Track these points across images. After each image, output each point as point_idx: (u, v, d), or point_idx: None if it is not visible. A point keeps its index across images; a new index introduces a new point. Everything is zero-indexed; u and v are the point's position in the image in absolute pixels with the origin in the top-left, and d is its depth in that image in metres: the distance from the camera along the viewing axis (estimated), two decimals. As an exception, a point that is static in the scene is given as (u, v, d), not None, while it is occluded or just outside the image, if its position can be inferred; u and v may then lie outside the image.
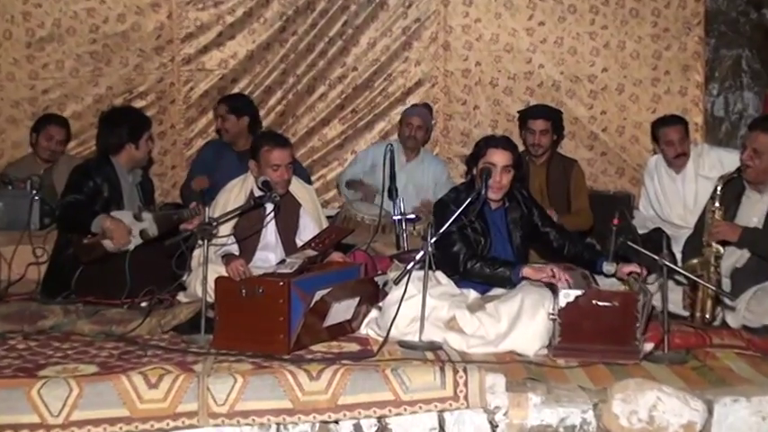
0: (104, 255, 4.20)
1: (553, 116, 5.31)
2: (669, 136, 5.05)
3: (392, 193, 5.15)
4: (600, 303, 3.44)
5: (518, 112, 5.54)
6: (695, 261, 4.00)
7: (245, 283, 3.54)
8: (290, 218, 4.32)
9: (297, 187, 4.40)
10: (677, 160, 5.07)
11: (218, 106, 5.47)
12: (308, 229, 4.35)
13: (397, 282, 3.62)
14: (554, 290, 3.56)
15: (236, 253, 4.12)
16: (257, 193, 4.19)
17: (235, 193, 4.26)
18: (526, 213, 4.08)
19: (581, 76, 6.12)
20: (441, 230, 3.67)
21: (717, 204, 4.05)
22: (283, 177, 4.18)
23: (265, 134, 4.52)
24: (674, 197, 5.10)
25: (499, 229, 4.03)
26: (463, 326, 3.60)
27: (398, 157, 5.49)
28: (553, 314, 3.47)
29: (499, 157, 3.92)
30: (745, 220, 4.11)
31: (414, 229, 5.23)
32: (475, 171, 4.00)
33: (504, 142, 4.00)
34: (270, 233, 4.28)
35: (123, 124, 4.47)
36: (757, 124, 4.21)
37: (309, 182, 5.13)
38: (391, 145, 5.24)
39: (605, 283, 3.79)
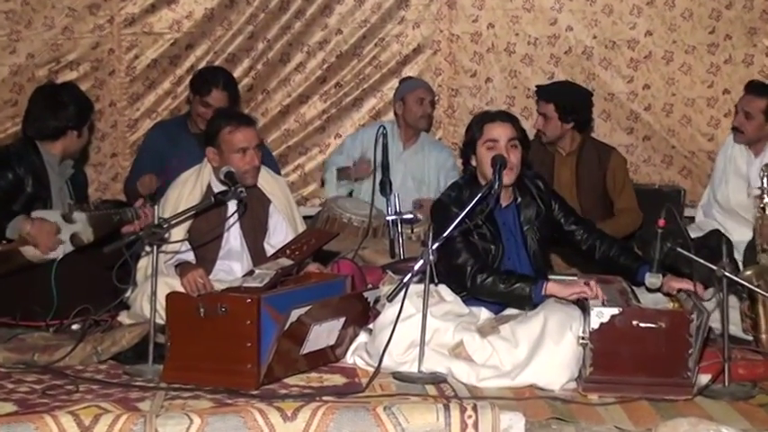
0: (24, 265, 4.20)
1: (558, 97, 5.22)
2: (749, 106, 5.02)
3: (385, 187, 5.17)
4: (642, 325, 3.44)
5: (537, 86, 5.54)
6: (749, 272, 4.03)
7: (205, 300, 3.54)
8: (257, 217, 4.33)
9: (265, 179, 4.40)
10: (756, 143, 5.05)
11: (208, 94, 5.22)
12: (279, 231, 4.36)
13: (391, 298, 3.62)
14: (584, 308, 3.57)
15: (193, 262, 4.13)
16: (217, 187, 4.20)
17: (188, 188, 4.27)
18: (543, 210, 4.10)
19: (618, 41, 6.15)
20: (443, 237, 3.68)
21: (766, 199, 4.11)
22: (253, 163, 4.18)
23: (223, 113, 4.51)
24: (741, 183, 5.08)
25: (511, 232, 4.05)
26: (472, 353, 3.61)
27: (393, 142, 5.50)
28: (583, 338, 3.47)
29: (500, 131, 3.95)
30: None
31: (412, 232, 5.25)
32: (474, 162, 4.02)
33: (501, 114, 4.05)
34: (233, 237, 4.29)
35: (69, 105, 4.48)
36: (751, 87, 5.05)
37: (279, 173, 5.13)
38: (384, 127, 5.26)
39: (648, 300, 3.80)
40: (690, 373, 3.44)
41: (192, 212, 4.03)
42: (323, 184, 5.94)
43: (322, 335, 3.68)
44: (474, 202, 3.75)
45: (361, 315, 3.93)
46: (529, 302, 3.76)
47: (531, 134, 4.73)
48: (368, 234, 5.17)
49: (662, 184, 6.04)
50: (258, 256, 4.26)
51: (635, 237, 5.09)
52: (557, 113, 5.19)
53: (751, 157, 5.07)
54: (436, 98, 6.02)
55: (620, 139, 6.10)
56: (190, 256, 4.16)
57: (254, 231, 4.32)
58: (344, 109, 6.31)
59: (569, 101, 5.23)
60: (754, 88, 5.06)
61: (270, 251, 4.29)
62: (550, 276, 4.29)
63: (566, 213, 4.15)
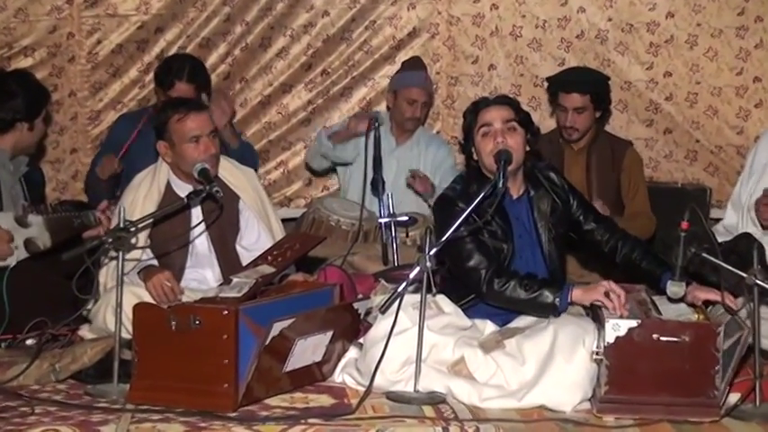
0: (-30, 274, 4.19)
1: (594, 87, 5.33)
2: None
3: (377, 186, 5.17)
4: (663, 339, 3.44)
5: (546, 79, 5.56)
6: None
7: (176, 312, 3.53)
8: (225, 216, 4.32)
9: (230, 171, 4.40)
10: None
11: (171, 87, 5.27)
12: (251, 230, 4.37)
13: (383, 310, 3.63)
14: (598, 319, 3.58)
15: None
16: (177, 185, 4.22)
17: (143, 192, 4.27)
18: (560, 206, 4.08)
19: (636, 23, 6.15)
20: (445, 238, 3.68)
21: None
22: (209, 152, 4.17)
23: (170, 102, 4.52)
24: None
25: (525, 228, 4.02)
26: (474, 371, 3.61)
27: (386, 136, 5.52)
28: (598, 354, 3.47)
29: (495, 113, 3.95)
30: None
31: (407, 236, 5.25)
32: (475, 155, 4.02)
33: (497, 98, 4.06)
34: (200, 242, 4.30)
35: (18, 95, 4.48)
36: None
37: (256, 167, 5.13)
38: (377, 116, 5.26)
39: (670, 311, 3.80)
40: (717, 392, 3.44)
41: (161, 215, 4.03)
42: (310, 170, 5.94)
43: (307, 350, 3.67)
44: (477, 201, 3.74)
45: (351, 328, 3.92)
46: (553, 312, 3.73)
47: (542, 128, 4.73)
48: (358, 238, 5.18)
49: (685, 183, 6.05)
50: (229, 260, 4.27)
51: (655, 240, 5.10)
52: (592, 104, 5.24)
53: None
54: (434, 87, 6.03)
55: (638, 133, 6.11)
56: (154, 264, 4.18)
57: (223, 232, 4.32)
58: (332, 99, 6.30)
59: (603, 89, 5.34)
60: None
61: (242, 254, 4.30)
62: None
63: (585, 210, 4.14)
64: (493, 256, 3.88)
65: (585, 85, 5.32)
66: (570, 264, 4.79)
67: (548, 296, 3.73)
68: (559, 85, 5.34)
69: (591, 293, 3.70)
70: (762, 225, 4.61)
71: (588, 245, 4.19)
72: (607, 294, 3.64)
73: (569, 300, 3.72)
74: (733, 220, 5.03)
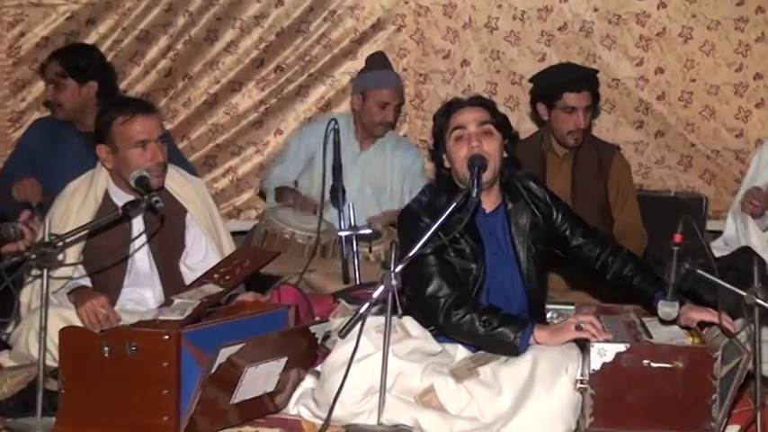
0: None
1: (596, 84, 5.41)
2: None
3: (337, 196, 5.17)
4: (654, 365, 3.46)
5: (531, 80, 5.57)
6: None
7: (109, 337, 3.50)
8: (170, 231, 4.32)
9: (177, 182, 4.40)
10: None
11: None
12: (198, 247, 4.37)
13: (344, 334, 3.62)
14: (582, 344, 3.59)
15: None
16: (116, 195, 4.20)
17: (79, 200, 4.25)
18: (541, 221, 4.08)
19: (625, 14, 6.22)
20: (411, 254, 3.68)
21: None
22: (156, 159, 4.17)
23: (114, 102, 4.52)
24: None
25: (499, 245, 4.02)
26: (445, 401, 3.60)
27: (348, 141, 5.53)
28: (582, 382, 3.49)
29: (468, 115, 3.94)
30: None
31: (370, 251, 5.26)
32: (446, 162, 4.02)
33: (471, 99, 4.06)
34: (140, 258, 4.28)
35: None
36: None
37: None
38: (335, 121, 5.28)
39: (662, 334, 3.82)
40: (713, 424, 3.45)
41: (92, 228, 4.00)
42: (263, 197, 5.95)
43: (258, 379, 3.66)
44: (447, 214, 3.72)
45: (307, 355, 3.91)
46: (513, 351, 3.72)
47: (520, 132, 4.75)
48: (315, 253, 5.18)
49: (679, 191, 6.11)
50: (172, 279, 4.26)
51: (646, 255, 5.12)
52: (592, 103, 5.30)
53: None
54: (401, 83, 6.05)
55: (627, 136, 6.18)
56: (85, 284, 4.15)
57: (167, 248, 4.32)
58: (286, 99, 6.33)
59: (598, 86, 5.39)
60: None
61: (187, 274, 4.29)
62: (547, 306, 4.32)
63: (572, 224, 4.12)
64: (456, 282, 3.87)
65: (592, 80, 5.39)
66: (553, 282, 4.81)
67: (508, 335, 3.71)
68: (567, 83, 5.32)
69: (560, 335, 3.68)
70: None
71: (577, 261, 4.18)
72: (579, 327, 3.63)
73: (531, 341, 3.70)
74: (734, 232, 5.07)
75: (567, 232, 4.12)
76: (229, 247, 4.49)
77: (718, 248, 4.98)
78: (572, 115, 5.26)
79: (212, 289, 3.96)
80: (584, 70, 5.59)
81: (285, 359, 3.73)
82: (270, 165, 6.12)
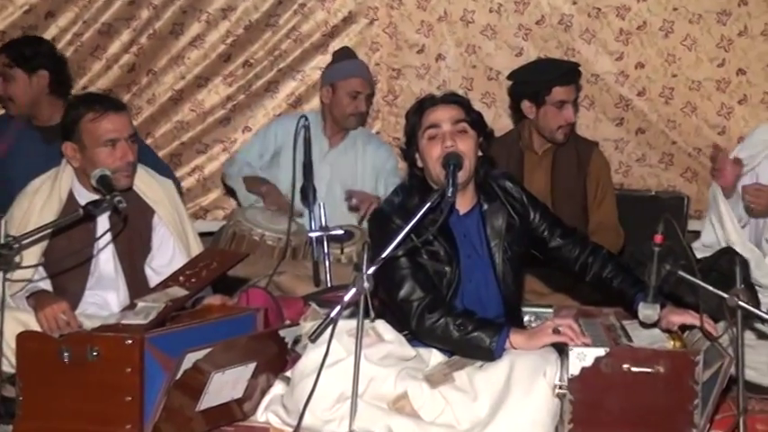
0: None
1: (579, 76, 5.45)
2: None
3: (308, 195, 5.17)
4: (634, 369, 3.46)
5: (510, 77, 5.56)
6: None
7: (70, 342, 3.50)
8: (137, 232, 4.32)
9: (145, 181, 4.40)
10: None
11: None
12: (165, 250, 4.37)
13: (314, 338, 3.61)
14: (561, 349, 3.59)
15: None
16: (81, 194, 4.19)
17: (41, 199, 4.23)
18: (517, 222, 4.09)
19: (605, 7, 6.23)
20: (384, 256, 3.67)
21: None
22: (126, 159, 4.17)
23: (83, 97, 4.49)
24: None
25: (474, 248, 4.04)
26: (419, 408, 3.60)
27: (317, 138, 5.53)
28: (561, 387, 3.50)
29: (443, 114, 3.95)
30: None
31: (341, 252, 5.26)
32: (419, 162, 4.03)
33: (445, 96, 4.06)
34: (105, 260, 4.27)
35: None
36: None
37: (174, 179, 5.12)
38: (305, 118, 5.27)
39: (642, 337, 3.83)
40: (695, 430, 3.46)
41: (53, 228, 3.99)
42: (225, 186, 5.93)
43: (225, 385, 3.65)
44: (420, 214, 3.72)
45: (277, 360, 3.91)
46: (488, 356, 3.73)
47: (496, 129, 4.75)
48: (285, 255, 5.18)
49: (660, 190, 6.14)
50: (137, 282, 4.24)
51: (623, 254, 5.13)
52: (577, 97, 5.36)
53: None
54: (374, 80, 6.05)
55: (606, 133, 6.20)
56: (45, 286, 4.13)
57: (132, 251, 4.31)
58: (255, 95, 6.33)
59: (580, 79, 5.44)
60: None
61: (153, 277, 4.28)
62: (524, 308, 4.32)
63: (550, 225, 4.14)
64: (429, 285, 3.89)
65: (576, 74, 5.42)
66: (531, 284, 4.82)
67: (483, 339, 3.72)
68: (555, 78, 5.33)
69: (537, 339, 3.68)
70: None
71: (556, 263, 4.20)
72: (556, 331, 3.64)
73: (508, 345, 3.71)
74: (712, 238, 5.10)
75: (545, 233, 4.13)
76: (197, 249, 4.49)
77: (700, 249, 5.00)
78: (562, 110, 5.28)
79: (178, 292, 3.95)
80: (568, 63, 5.62)
81: (254, 364, 3.73)
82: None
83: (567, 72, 5.38)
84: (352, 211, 5.51)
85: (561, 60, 5.82)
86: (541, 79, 5.35)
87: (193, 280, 4.02)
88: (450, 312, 3.80)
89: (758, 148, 5.11)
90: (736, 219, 4.94)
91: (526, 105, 5.33)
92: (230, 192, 6.18)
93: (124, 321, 3.77)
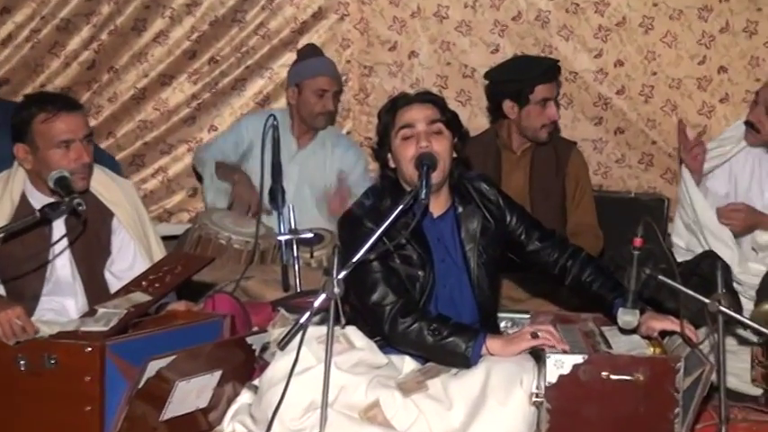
0: None
1: (559, 73, 5.48)
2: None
3: (277, 198, 5.16)
4: (613, 377, 3.47)
5: (487, 76, 5.57)
6: None
7: (26, 349, 3.49)
8: (95, 236, 4.30)
9: (103, 183, 4.39)
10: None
11: None
12: (126, 254, 4.36)
13: (283, 345, 3.61)
14: (538, 356, 3.59)
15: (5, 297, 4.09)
16: (34, 197, 4.17)
17: (-8, 202, 4.22)
18: (492, 225, 4.09)
19: (583, 3, 6.22)
20: (355, 260, 3.67)
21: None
22: (81, 160, 4.15)
23: (35, 97, 4.47)
24: (755, 196, 5.19)
25: (448, 251, 4.04)
26: (392, 417, 3.60)
27: (285, 138, 5.51)
28: (538, 395, 3.50)
29: (417, 113, 3.95)
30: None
31: (311, 256, 5.26)
32: (391, 163, 4.03)
33: (419, 95, 4.06)
34: (61, 265, 4.25)
35: None
36: None
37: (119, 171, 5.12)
38: (274, 117, 5.27)
39: (621, 344, 3.84)
40: (676, 439, 3.50)
41: (5, 232, 3.97)
42: (196, 173, 5.91)
43: (190, 394, 3.65)
44: (393, 217, 3.72)
45: (244, 368, 3.91)
46: (464, 362, 3.73)
47: (472, 128, 4.76)
48: (253, 259, 5.16)
49: (639, 192, 6.16)
50: (97, 288, 4.23)
51: (603, 257, 5.15)
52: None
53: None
54: (344, 78, 6.04)
55: (584, 132, 6.20)
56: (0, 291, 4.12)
57: (91, 255, 4.29)
58: (221, 93, 6.31)
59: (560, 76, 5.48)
60: None
61: (113, 282, 4.27)
62: (500, 314, 4.32)
63: (528, 228, 4.14)
64: (402, 290, 3.89)
65: (557, 70, 5.44)
66: (508, 288, 4.82)
67: (458, 345, 3.72)
68: (537, 76, 5.33)
69: (515, 345, 3.68)
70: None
71: (535, 266, 4.20)
72: (535, 336, 3.64)
73: (484, 351, 3.71)
74: (685, 242, 5.14)
75: (523, 237, 4.13)
76: (159, 252, 4.48)
77: (681, 253, 5.03)
78: (546, 108, 5.30)
79: (140, 298, 3.93)
80: (548, 60, 5.65)
81: (220, 373, 3.73)
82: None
83: (549, 69, 5.40)
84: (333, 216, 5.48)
85: (540, 57, 5.85)
86: (523, 78, 5.35)
87: (157, 285, 4.01)
88: (424, 317, 3.81)
89: (730, 143, 5.19)
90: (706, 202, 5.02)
91: (508, 105, 5.33)
92: (195, 192, 6.19)
93: (83, 328, 3.74)
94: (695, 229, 5.09)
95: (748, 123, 5.13)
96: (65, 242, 4.18)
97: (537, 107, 5.28)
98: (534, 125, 5.30)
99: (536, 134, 5.31)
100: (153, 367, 3.46)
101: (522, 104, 5.30)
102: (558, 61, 5.51)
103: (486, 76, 5.56)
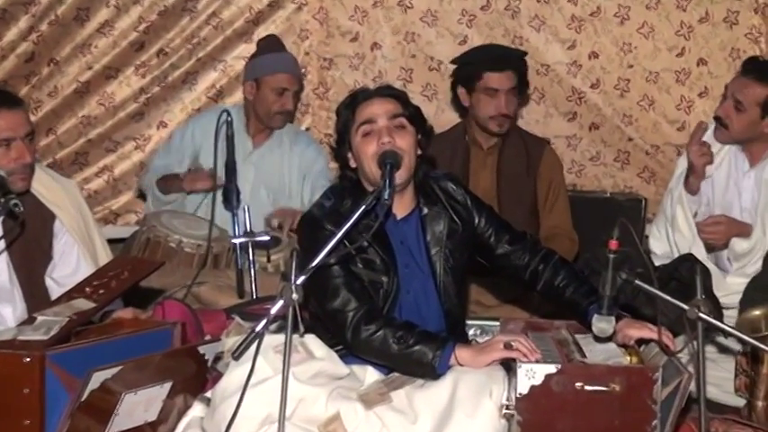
0: None
1: (521, 65, 5.47)
2: (742, 93, 5.04)
3: (231, 198, 5.15)
4: (588, 388, 3.47)
5: (454, 61, 5.60)
6: (757, 312, 4.12)
7: (-40, 360, 3.47)
8: (35, 239, 4.29)
9: (45, 183, 4.38)
10: (749, 144, 5.13)
11: None
12: (69, 258, 4.35)
13: (237, 355, 3.60)
14: (509, 365, 3.60)
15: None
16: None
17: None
18: (460, 227, 4.09)
19: (555, -8, 6.29)
20: (314, 264, 3.66)
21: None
22: (23, 160, 4.14)
23: None
24: (733, 198, 5.20)
25: (412, 255, 4.04)
26: (353, 431, 3.58)
27: (240, 136, 5.53)
28: (508, 407, 3.50)
29: (378, 108, 3.95)
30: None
31: (268, 260, 5.26)
32: (352, 162, 4.03)
33: (380, 89, 4.06)
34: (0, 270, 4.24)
35: None
36: (750, 69, 5.03)
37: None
38: (228, 113, 5.25)
39: (597, 353, 3.84)
40: (653, 453, 3.51)
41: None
42: (144, 198, 5.90)
43: (138, 407, 3.63)
44: (355, 218, 3.70)
45: (196, 379, 3.89)
46: (431, 373, 3.72)
47: (438, 124, 4.76)
48: (206, 263, 5.17)
49: (615, 192, 6.20)
50: (36, 295, 4.22)
51: (577, 262, 5.15)
52: (518, 86, 5.37)
53: (744, 163, 5.17)
54: (303, 71, 6.04)
55: (557, 129, 6.25)
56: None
57: (30, 260, 4.28)
58: (171, 87, 6.32)
59: (525, 69, 5.46)
60: (753, 69, 5.06)
61: (55, 288, 4.26)
62: (468, 321, 4.32)
63: (497, 230, 4.13)
64: (365, 296, 3.88)
65: (516, 61, 5.44)
66: (476, 294, 4.83)
67: (425, 354, 3.71)
68: (486, 63, 5.36)
69: (486, 354, 3.66)
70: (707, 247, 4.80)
71: (504, 271, 4.19)
72: (508, 346, 3.62)
73: (453, 361, 3.69)
74: (664, 248, 5.15)
75: (492, 239, 4.13)
76: (105, 256, 4.49)
77: (659, 256, 5.05)
78: (494, 98, 5.29)
79: (83, 304, 3.91)
80: (509, 50, 5.67)
81: (170, 384, 3.71)
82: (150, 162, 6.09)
83: (501, 57, 5.42)
84: (275, 232, 5.45)
85: (505, 47, 5.87)
86: (473, 62, 5.41)
87: (101, 291, 3.99)
88: (389, 324, 3.80)
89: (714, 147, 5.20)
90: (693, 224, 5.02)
91: (461, 93, 5.38)
92: (142, 194, 6.17)
93: (21, 337, 3.71)
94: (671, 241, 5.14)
95: (717, 119, 5.13)
96: (1, 245, 4.15)
97: (485, 96, 5.31)
98: (482, 114, 5.33)
99: (486, 124, 5.34)
100: (97, 378, 3.44)
101: (471, 92, 5.34)
102: (524, 54, 5.51)
103: (453, 61, 5.61)
